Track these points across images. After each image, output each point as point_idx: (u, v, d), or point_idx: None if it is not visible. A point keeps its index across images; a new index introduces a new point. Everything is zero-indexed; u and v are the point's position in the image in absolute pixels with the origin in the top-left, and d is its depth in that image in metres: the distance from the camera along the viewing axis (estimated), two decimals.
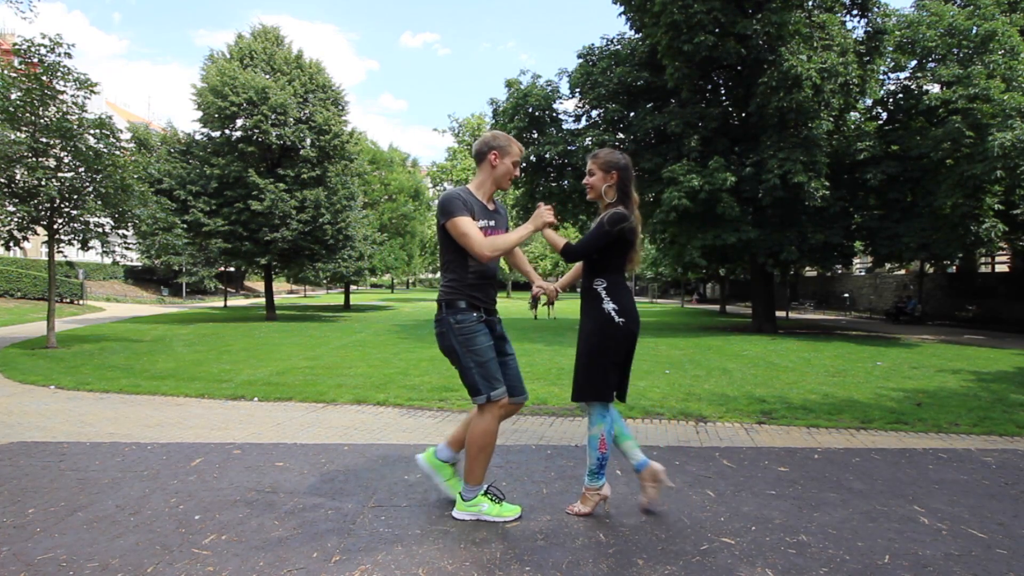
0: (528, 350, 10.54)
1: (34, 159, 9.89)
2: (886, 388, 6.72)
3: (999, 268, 26.16)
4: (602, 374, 2.65)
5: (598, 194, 2.79)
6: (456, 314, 2.61)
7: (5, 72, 9.70)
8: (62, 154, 10.24)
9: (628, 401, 5.43)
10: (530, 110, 16.66)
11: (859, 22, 15.89)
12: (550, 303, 2.98)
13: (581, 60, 17.51)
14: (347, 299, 31.93)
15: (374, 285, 67.89)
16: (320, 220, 19.56)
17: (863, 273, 32.87)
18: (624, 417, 3.39)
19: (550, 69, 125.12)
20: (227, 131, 19.33)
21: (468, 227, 2.52)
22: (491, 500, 2.66)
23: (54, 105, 10.07)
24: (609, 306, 2.66)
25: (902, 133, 15.29)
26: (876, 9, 15.26)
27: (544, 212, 2.56)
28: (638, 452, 2.81)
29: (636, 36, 16.68)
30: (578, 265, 2.93)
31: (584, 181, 2.85)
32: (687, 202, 13.51)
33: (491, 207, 2.75)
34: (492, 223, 2.69)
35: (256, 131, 18.76)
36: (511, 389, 2.73)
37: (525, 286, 40.35)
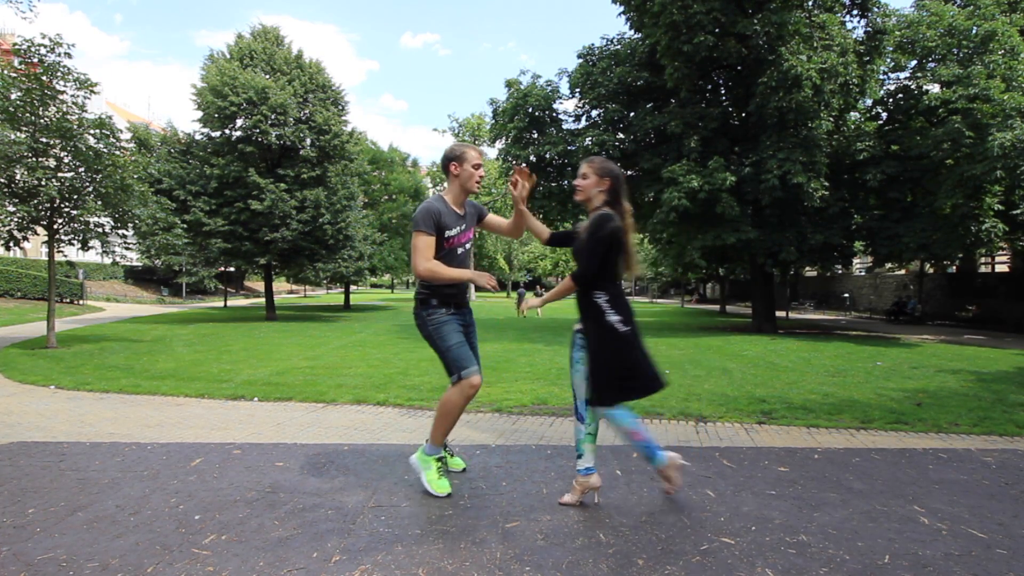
0: (528, 350, 10.53)
1: (34, 159, 9.89)
2: (886, 388, 6.72)
3: (999, 268, 26.16)
4: (616, 381, 2.70)
5: (587, 196, 2.82)
6: (428, 310, 2.99)
7: (5, 72, 9.69)
8: (62, 154, 10.23)
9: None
10: (530, 110, 16.66)
11: (859, 22, 15.90)
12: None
13: (581, 60, 17.51)
14: (347, 299, 31.93)
15: (374, 285, 67.95)
16: (320, 220, 19.54)
17: (863, 273, 32.86)
18: None
19: (550, 69, 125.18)
20: (227, 131, 19.30)
21: (421, 244, 2.88)
22: (438, 470, 3.01)
23: (54, 105, 10.06)
24: (613, 318, 2.68)
25: (902, 133, 15.27)
26: (876, 9, 15.26)
27: (485, 278, 2.85)
28: (591, 459, 2.84)
29: (636, 36, 16.67)
30: (568, 282, 2.81)
31: (576, 182, 2.86)
32: (687, 202, 13.51)
33: (460, 212, 3.06)
34: (459, 229, 3.03)
35: (256, 131, 18.74)
36: None
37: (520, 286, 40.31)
